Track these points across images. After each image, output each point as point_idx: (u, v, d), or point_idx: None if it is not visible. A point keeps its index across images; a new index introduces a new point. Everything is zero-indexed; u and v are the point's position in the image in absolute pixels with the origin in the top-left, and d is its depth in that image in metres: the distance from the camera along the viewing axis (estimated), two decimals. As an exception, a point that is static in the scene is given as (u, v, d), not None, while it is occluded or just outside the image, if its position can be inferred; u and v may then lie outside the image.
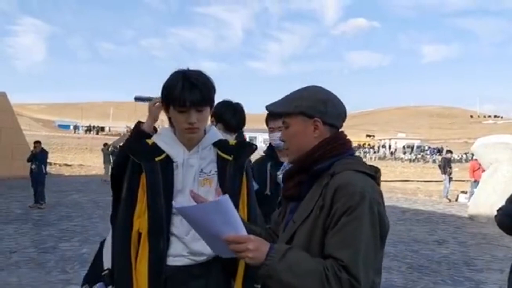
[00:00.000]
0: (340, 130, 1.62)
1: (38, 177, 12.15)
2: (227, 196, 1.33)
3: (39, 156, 12.35)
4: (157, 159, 1.83)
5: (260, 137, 54.45)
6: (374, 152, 60.76)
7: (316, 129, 1.56)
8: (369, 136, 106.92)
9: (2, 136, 19.53)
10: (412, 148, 64.18)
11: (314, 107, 1.57)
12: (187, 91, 1.72)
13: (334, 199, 1.44)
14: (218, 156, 1.88)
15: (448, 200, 16.94)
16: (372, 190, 1.46)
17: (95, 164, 23.44)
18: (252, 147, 1.96)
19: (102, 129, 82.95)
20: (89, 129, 75.99)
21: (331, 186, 1.47)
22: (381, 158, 54.00)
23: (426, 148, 67.19)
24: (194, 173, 1.83)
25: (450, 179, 17.39)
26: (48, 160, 15.37)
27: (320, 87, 1.65)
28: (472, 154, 20.80)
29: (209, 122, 2.14)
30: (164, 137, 1.90)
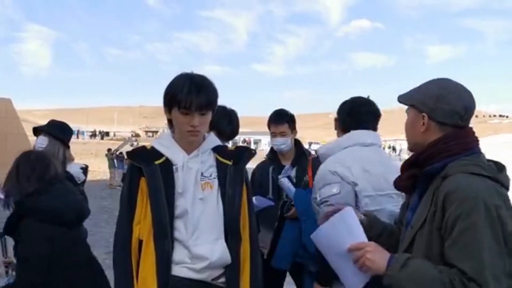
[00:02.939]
0: (461, 127, 1.55)
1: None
2: (349, 207, 1.48)
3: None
4: (156, 162, 1.84)
5: (264, 140, 54.25)
6: (379, 153, 60.43)
7: (423, 124, 1.57)
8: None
9: (8, 142, 19.59)
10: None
11: (424, 102, 1.57)
12: (193, 94, 1.75)
13: (445, 205, 1.40)
14: (217, 160, 1.89)
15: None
16: (487, 193, 1.39)
17: (100, 169, 23.47)
18: (251, 152, 1.97)
19: (107, 134, 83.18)
20: (94, 134, 76.32)
21: (441, 191, 1.44)
22: (386, 159, 53.65)
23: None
24: (195, 176, 1.84)
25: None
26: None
27: (444, 80, 1.62)
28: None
29: None
30: (164, 141, 1.91)
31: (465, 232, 1.36)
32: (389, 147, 71.79)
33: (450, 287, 1.33)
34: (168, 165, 1.85)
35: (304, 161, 3.14)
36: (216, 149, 1.93)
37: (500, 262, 1.35)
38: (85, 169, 3.28)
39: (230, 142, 2.82)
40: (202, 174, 1.86)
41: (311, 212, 2.92)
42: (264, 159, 3.34)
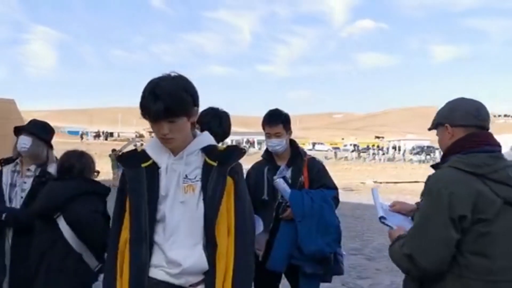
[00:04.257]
0: (483, 127, 1.86)
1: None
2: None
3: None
4: (143, 165, 1.83)
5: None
6: (383, 154, 60.38)
7: (449, 132, 1.90)
8: (378, 137, 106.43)
9: (11, 142, 19.73)
10: (422, 149, 63.73)
11: (442, 116, 1.95)
12: (151, 103, 1.68)
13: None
14: (205, 162, 1.82)
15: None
16: (450, 182, 1.74)
17: (103, 170, 23.62)
18: (240, 151, 1.88)
19: (111, 134, 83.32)
20: (97, 135, 76.48)
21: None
22: (391, 160, 53.61)
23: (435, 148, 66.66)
24: (177, 178, 1.79)
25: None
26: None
27: (453, 99, 1.97)
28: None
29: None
30: (152, 143, 1.89)
31: (418, 212, 1.84)
32: (393, 148, 71.59)
33: (404, 258, 1.80)
34: (154, 168, 1.82)
35: (300, 161, 3.11)
36: (205, 150, 1.85)
37: (439, 237, 1.72)
38: None
39: (232, 141, 2.79)
40: (186, 176, 1.80)
41: (306, 213, 2.91)
42: (258, 160, 3.31)
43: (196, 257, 1.74)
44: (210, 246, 1.74)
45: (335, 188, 3.15)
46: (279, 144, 3.08)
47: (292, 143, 3.19)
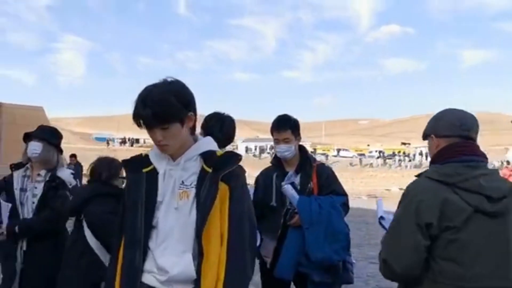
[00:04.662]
0: (467, 138, 1.90)
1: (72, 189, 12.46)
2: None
3: (74, 169, 12.72)
4: (144, 170, 1.83)
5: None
6: (410, 160, 59.41)
7: (434, 143, 1.96)
8: (404, 143, 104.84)
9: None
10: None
11: (429, 126, 2.02)
12: (140, 110, 1.69)
13: None
14: (202, 168, 1.79)
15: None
16: (420, 191, 1.82)
17: (128, 176, 24.11)
18: (237, 157, 1.85)
19: (137, 141, 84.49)
20: (123, 141, 77.62)
21: None
22: (417, 166, 52.65)
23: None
24: (173, 184, 1.78)
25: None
26: (85, 172, 15.76)
27: (446, 109, 2.02)
28: (508, 162, 20.05)
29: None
30: (155, 149, 1.88)
31: (393, 219, 1.93)
32: (420, 154, 70.40)
33: (382, 263, 1.89)
34: (154, 173, 1.82)
35: (309, 168, 3.07)
36: (204, 155, 1.82)
37: (408, 243, 1.79)
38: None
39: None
40: (183, 182, 1.78)
41: (314, 219, 2.86)
42: (267, 166, 3.29)
43: (183, 265, 1.71)
44: (199, 255, 1.71)
45: (344, 194, 3.10)
46: (287, 150, 3.05)
47: (301, 149, 3.16)
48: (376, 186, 26.70)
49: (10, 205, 2.96)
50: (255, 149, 68.45)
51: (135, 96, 1.74)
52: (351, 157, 62.14)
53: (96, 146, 60.36)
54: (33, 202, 3.00)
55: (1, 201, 2.99)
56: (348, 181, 29.11)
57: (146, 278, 1.77)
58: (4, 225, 2.89)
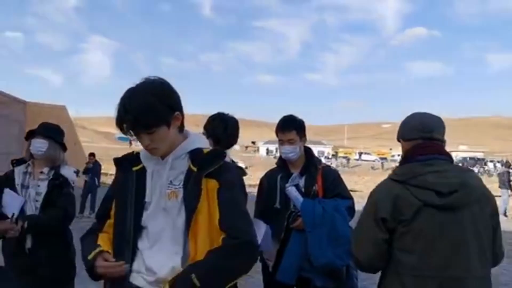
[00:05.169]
0: (425, 139, 2.02)
1: (91, 188, 12.60)
2: None
3: (92, 168, 12.86)
4: (134, 168, 1.80)
5: (314, 149, 53.58)
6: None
7: (403, 146, 2.12)
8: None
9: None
10: (476, 161, 61.00)
11: (398, 131, 2.15)
12: (122, 116, 1.64)
13: None
14: (189, 167, 1.74)
15: (505, 217, 15.90)
16: (380, 190, 2.00)
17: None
18: (221, 155, 1.77)
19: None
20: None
21: None
22: (441, 171, 51.58)
23: (489, 160, 63.67)
24: (161, 184, 1.73)
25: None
26: (105, 171, 15.89)
27: (411, 114, 2.17)
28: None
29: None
30: None
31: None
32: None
33: (353, 257, 2.10)
34: (143, 172, 1.79)
35: (314, 170, 3.00)
36: (192, 153, 1.76)
37: (368, 236, 1.96)
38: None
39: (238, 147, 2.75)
40: (171, 182, 1.73)
41: (317, 222, 2.79)
42: (272, 168, 3.23)
43: (171, 267, 1.66)
44: (186, 255, 1.66)
45: (350, 197, 3.02)
46: (292, 151, 2.99)
47: (307, 151, 3.09)
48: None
49: (23, 199, 2.92)
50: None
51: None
52: (373, 161, 61.35)
53: (119, 145, 61.08)
54: (37, 200, 2.98)
55: (13, 193, 2.93)
56: (369, 183, 28.82)
57: (134, 278, 1.73)
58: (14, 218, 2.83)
